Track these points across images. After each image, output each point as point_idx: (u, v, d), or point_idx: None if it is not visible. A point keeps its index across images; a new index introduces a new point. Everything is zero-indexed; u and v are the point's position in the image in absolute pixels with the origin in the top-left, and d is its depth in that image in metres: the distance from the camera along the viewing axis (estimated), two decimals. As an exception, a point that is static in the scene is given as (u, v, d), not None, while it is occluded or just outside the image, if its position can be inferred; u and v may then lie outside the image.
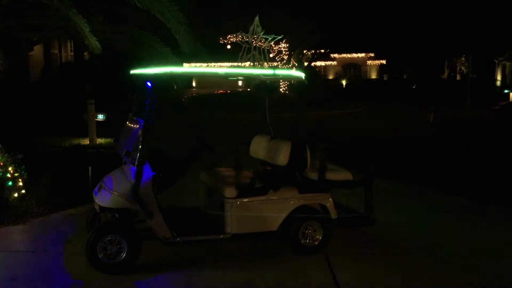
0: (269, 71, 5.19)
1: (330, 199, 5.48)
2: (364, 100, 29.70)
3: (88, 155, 11.16)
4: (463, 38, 34.32)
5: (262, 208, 5.22)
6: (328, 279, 4.83)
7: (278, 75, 5.22)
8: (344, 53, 48.15)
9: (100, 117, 13.36)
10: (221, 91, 30.74)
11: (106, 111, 13.46)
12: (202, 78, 35.97)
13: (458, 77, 51.04)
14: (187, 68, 4.98)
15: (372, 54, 49.51)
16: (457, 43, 36.01)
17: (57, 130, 14.86)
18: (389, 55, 45.57)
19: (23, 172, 7.00)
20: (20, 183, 6.90)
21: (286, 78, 5.41)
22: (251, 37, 5.58)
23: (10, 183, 6.70)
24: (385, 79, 48.37)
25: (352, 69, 50.33)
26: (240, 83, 33.97)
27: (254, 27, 5.55)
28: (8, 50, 11.09)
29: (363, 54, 49.56)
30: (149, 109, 4.75)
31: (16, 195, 6.77)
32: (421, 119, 15.66)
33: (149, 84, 4.80)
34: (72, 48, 30.43)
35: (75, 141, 13.36)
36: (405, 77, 48.08)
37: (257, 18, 5.59)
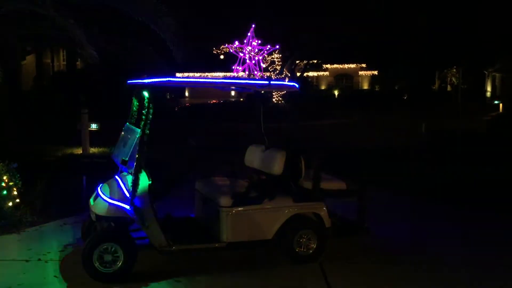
0: (264, 82, 5.27)
1: (324, 208, 5.54)
2: (356, 110, 29.88)
3: (82, 164, 11.16)
4: (453, 49, 34.76)
5: (257, 217, 5.28)
6: (322, 287, 4.88)
7: (272, 86, 5.30)
8: (336, 63, 48.46)
9: (94, 126, 13.34)
10: (214, 101, 30.85)
11: (99, 120, 13.45)
12: (196, 89, 36.03)
13: (449, 88, 51.45)
14: (184, 78, 5.05)
15: (363, 65, 49.86)
16: (448, 54, 36.45)
17: (49, 139, 14.80)
18: (381, 66, 45.94)
19: (17, 181, 7.00)
20: (15, 192, 6.89)
21: (280, 89, 5.48)
22: (246, 48, 5.66)
23: (4, 192, 6.69)
24: (376, 89, 48.69)
25: (344, 80, 50.62)
26: (232, 93, 34.05)
27: (249, 38, 5.62)
28: (2, 59, 11.14)
29: (354, 65, 49.90)
30: (146, 118, 4.80)
31: (10, 204, 6.76)
32: (413, 129, 15.83)
33: (145, 94, 4.86)
34: (65, 58, 30.43)
35: (68, 151, 13.34)
36: (396, 88, 48.43)
37: (252, 30, 5.67)
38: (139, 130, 4.87)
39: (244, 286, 4.89)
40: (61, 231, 6.51)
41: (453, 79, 46.40)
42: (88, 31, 7.84)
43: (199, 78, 4.88)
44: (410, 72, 42.21)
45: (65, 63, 31.03)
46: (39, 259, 5.44)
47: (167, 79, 4.86)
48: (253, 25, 5.37)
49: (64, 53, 30.72)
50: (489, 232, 6.78)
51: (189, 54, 8.09)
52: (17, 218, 6.67)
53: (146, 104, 4.86)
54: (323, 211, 5.53)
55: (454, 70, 43.57)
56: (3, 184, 6.71)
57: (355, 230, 5.86)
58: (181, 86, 6.10)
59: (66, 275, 5.00)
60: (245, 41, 5.58)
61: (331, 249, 5.64)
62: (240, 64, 5.67)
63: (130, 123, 5.58)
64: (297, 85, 5.36)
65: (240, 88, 5.97)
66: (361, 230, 5.79)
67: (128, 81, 5.32)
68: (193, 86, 5.91)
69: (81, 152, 13.04)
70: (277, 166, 5.42)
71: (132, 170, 4.80)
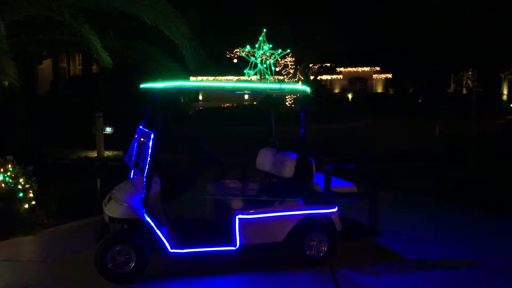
0: (276, 85, 5.32)
1: (335, 211, 5.56)
2: (370, 114, 29.76)
3: (96, 167, 11.28)
4: (469, 52, 34.46)
5: (268, 220, 5.31)
6: (333, 290, 4.91)
7: (284, 89, 5.34)
8: (350, 67, 48.37)
9: (108, 130, 13.50)
10: (227, 105, 30.95)
11: (114, 124, 13.61)
12: (209, 92, 36.24)
13: (464, 91, 51.07)
14: (196, 82, 5.12)
15: (378, 68, 49.72)
16: (463, 57, 36.14)
17: (65, 143, 15.01)
18: (395, 69, 45.73)
19: (33, 184, 7.12)
20: (31, 195, 7.02)
21: (292, 92, 5.53)
22: (258, 52, 5.72)
23: (21, 194, 6.82)
24: (391, 92, 48.49)
25: (358, 83, 50.53)
26: (246, 96, 34.18)
27: (261, 42, 5.68)
28: (19, 64, 11.34)
29: (368, 68, 49.78)
30: (158, 122, 4.87)
31: (26, 206, 6.88)
32: (427, 133, 15.71)
33: (158, 97, 4.93)
34: (80, 62, 30.85)
35: (83, 154, 13.51)
36: (411, 91, 48.18)
37: (263, 33, 5.73)
38: (151, 133, 4.94)
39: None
40: (76, 232, 6.63)
41: (469, 82, 46.06)
42: (103, 35, 7.98)
43: (211, 83, 4.95)
44: (425, 75, 41.99)
45: (80, 67, 31.49)
46: (54, 260, 5.55)
47: (179, 83, 4.92)
48: (264, 30, 5.38)
49: (80, 57, 31.17)
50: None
51: (202, 59, 8.15)
52: (33, 220, 6.79)
53: (158, 108, 4.93)
54: (334, 214, 5.55)
55: (470, 73, 43.27)
56: (19, 187, 6.84)
57: (367, 233, 5.86)
58: (192, 90, 6.16)
59: (80, 276, 5.09)
60: (256, 45, 5.61)
61: (342, 252, 5.66)
62: (252, 67, 5.68)
63: (143, 126, 5.66)
64: (308, 89, 5.39)
65: (252, 91, 6.04)
66: (372, 233, 5.79)
67: (141, 85, 5.40)
68: (204, 90, 5.95)
69: (96, 155, 13.21)
70: (288, 169, 5.46)
71: (145, 173, 4.87)
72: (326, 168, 5.53)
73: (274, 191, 5.51)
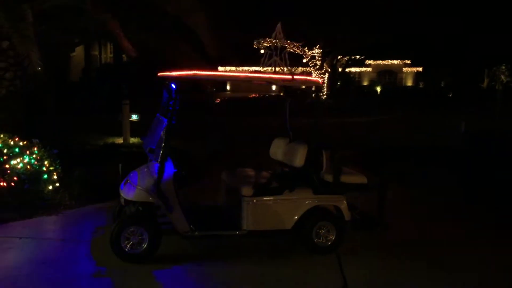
0: (288, 77, 5.42)
1: (344, 202, 5.66)
2: (399, 107, 29.39)
3: (121, 153, 11.62)
4: (503, 46, 33.57)
5: (277, 207, 5.46)
6: (337, 277, 5.02)
7: (295, 81, 5.45)
8: (379, 59, 47.71)
9: (134, 117, 13.81)
10: (254, 95, 31.10)
11: (140, 111, 13.92)
12: (235, 82, 36.38)
13: (498, 86, 49.75)
14: (208, 72, 5.27)
15: (408, 61, 48.88)
16: (497, 51, 35.24)
17: (94, 129, 15.45)
18: (426, 62, 44.87)
19: (57, 166, 7.45)
20: (55, 177, 7.34)
21: (304, 84, 5.63)
22: (273, 43, 5.83)
23: (45, 176, 7.14)
24: (421, 86, 47.66)
25: (388, 76, 49.84)
26: (273, 87, 34.21)
27: (276, 34, 5.79)
28: (49, 52, 11.72)
29: (399, 61, 49.00)
30: (173, 109, 5.06)
31: (50, 187, 7.20)
32: (453, 128, 15.48)
33: (173, 86, 5.11)
34: (112, 50, 31.42)
35: (110, 140, 13.89)
36: (442, 85, 47.25)
37: (279, 26, 5.84)
38: (165, 121, 5.13)
39: (262, 272, 5.08)
40: (96, 214, 6.90)
41: (502, 77, 44.84)
42: (127, 26, 8.22)
43: (222, 73, 5.07)
44: (457, 69, 41.13)
45: (111, 55, 32.06)
46: (74, 239, 5.83)
47: (193, 72, 5.08)
48: (280, 22, 5.48)
49: (111, 45, 31.74)
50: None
51: (222, 49, 8.30)
52: (57, 201, 7.12)
53: (174, 96, 5.11)
54: (343, 204, 5.65)
55: (504, 67, 42.16)
56: (44, 169, 7.16)
57: (375, 225, 5.94)
58: (207, 79, 6.31)
59: (96, 254, 5.36)
60: (272, 36, 5.67)
61: (350, 242, 5.76)
62: (267, 58, 5.78)
63: (160, 114, 5.85)
64: (319, 80, 5.48)
65: (267, 82, 6.16)
66: (380, 224, 5.86)
67: (158, 74, 5.59)
68: (218, 79, 6.13)
69: (122, 141, 13.57)
70: (299, 158, 5.58)
71: (159, 158, 5.07)
72: (335, 159, 5.63)
73: (284, 180, 5.64)
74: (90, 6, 6.25)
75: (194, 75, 5.08)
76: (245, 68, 25.12)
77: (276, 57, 5.11)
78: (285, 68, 5.39)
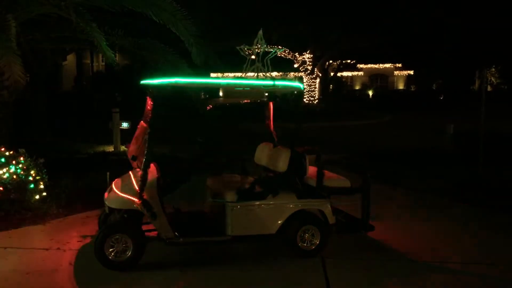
0: (269, 82, 5.47)
1: (328, 205, 5.70)
2: (390, 111, 29.58)
3: (110, 161, 11.62)
4: (493, 48, 33.79)
5: (261, 212, 5.49)
6: (320, 280, 5.05)
7: (277, 86, 5.49)
8: (370, 63, 47.98)
9: (125, 125, 13.82)
10: (246, 101, 31.12)
11: (131, 119, 13.93)
12: (228, 88, 36.41)
13: (489, 88, 50.14)
14: (189, 79, 5.31)
15: (399, 65, 49.19)
16: (487, 53, 35.44)
17: (84, 137, 15.45)
18: (417, 65, 45.14)
19: (44, 176, 7.45)
20: (42, 186, 7.34)
21: (286, 89, 5.68)
22: (254, 50, 5.88)
23: (32, 185, 7.14)
24: (412, 89, 47.94)
25: (379, 80, 50.10)
26: (266, 93, 34.27)
27: (257, 40, 5.84)
28: (38, 61, 11.75)
29: (390, 65, 49.30)
30: (153, 116, 5.09)
31: (37, 197, 7.20)
32: (442, 130, 15.61)
33: (153, 93, 5.15)
34: (103, 58, 31.41)
35: (100, 148, 13.88)
36: (434, 88, 47.54)
37: (260, 32, 5.89)
38: (147, 128, 5.16)
39: (247, 277, 5.10)
40: (82, 223, 6.90)
41: (492, 79, 45.16)
42: (113, 33, 8.26)
43: (204, 79, 5.06)
44: (447, 72, 41.38)
45: (103, 63, 32.06)
46: (58, 248, 5.84)
47: (175, 79, 5.12)
48: (261, 29, 5.50)
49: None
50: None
51: (208, 55, 8.36)
52: (43, 211, 7.11)
53: (155, 103, 5.15)
54: (327, 208, 5.69)
55: (494, 69, 42.49)
56: (31, 178, 7.16)
57: (359, 228, 5.98)
58: (188, 86, 6.35)
59: (80, 263, 5.36)
60: (254, 42, 5.71)
61: (334, 245, 5.79)
62: (249, 64, 5.79)
63: (144, 121, 5.88)
64: (301, 85, 5.53)
65: (251, 88, 6.19)
66: (365, 227, 5.90)
67: (141, 81, 5.62)
68: (199, 86, 6.16)
69: (113, 149, 13.56)
70: (282, 163, 5.62)
71: (142, 165, 5.09)
72: (319, 163, 5.67)
73: (268, 185, 5.67)
74: (74, 15, 6.27)
75: (175, 82, 5.12)
76: (231, 74, 25.25)
77: (258, 63, 5.15)
78: (267, 74, 5.43)
